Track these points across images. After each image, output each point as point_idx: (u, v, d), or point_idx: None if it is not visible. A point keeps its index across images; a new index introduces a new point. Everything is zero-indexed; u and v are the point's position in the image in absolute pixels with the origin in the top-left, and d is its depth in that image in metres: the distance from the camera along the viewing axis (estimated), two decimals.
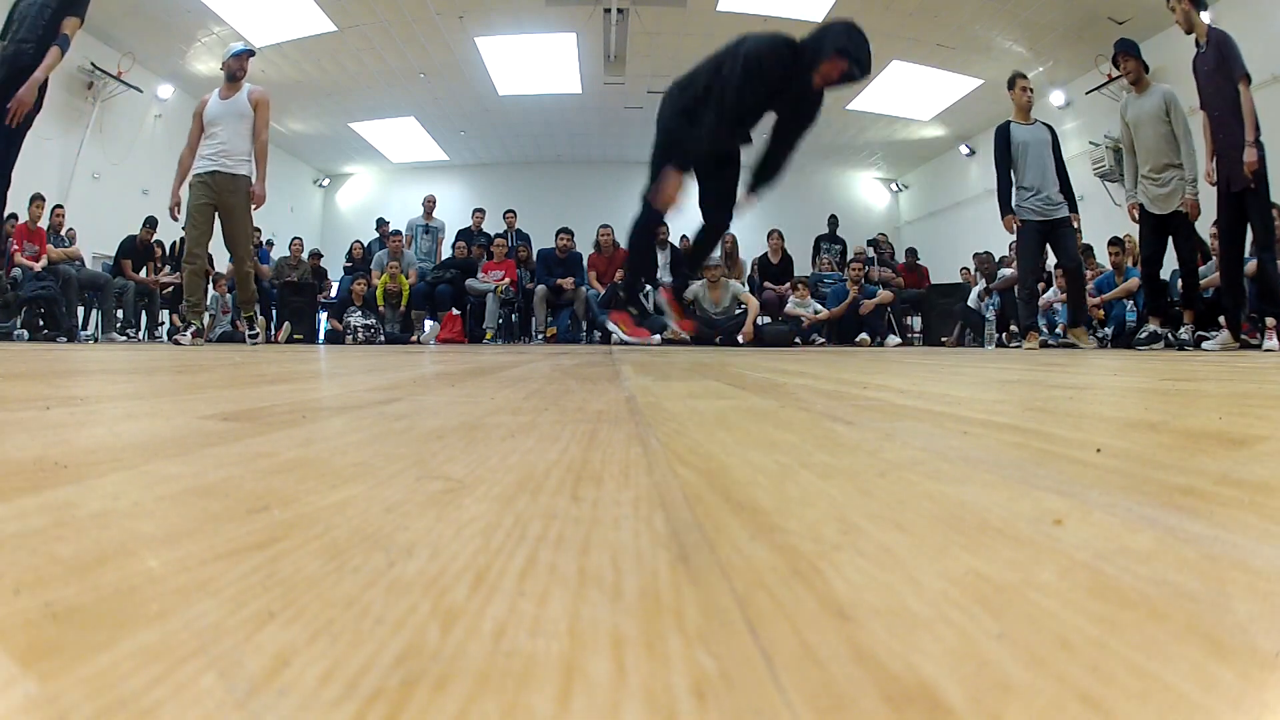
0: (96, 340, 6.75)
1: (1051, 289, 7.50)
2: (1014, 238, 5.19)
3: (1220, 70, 4.22)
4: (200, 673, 0.16)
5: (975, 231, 10.27)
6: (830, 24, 3.57)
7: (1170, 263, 4.89)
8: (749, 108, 3.54)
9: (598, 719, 0.14)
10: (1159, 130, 4.60)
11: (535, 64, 9.24)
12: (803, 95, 3.59)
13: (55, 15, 3.89)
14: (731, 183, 3.78)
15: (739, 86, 3.46)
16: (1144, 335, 4.92)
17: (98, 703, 0.15)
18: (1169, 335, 4.83)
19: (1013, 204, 4.99)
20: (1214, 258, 5.03)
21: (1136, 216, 4.78)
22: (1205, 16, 4.41)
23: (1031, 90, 5.18)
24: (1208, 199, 4.55)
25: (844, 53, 3.44)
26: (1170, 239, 4.69)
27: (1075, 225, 5.12)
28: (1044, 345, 6.06)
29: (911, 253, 10.04)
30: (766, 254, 8.58)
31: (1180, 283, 4.84)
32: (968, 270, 9.41)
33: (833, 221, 10.00)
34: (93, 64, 8.04)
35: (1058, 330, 7.19)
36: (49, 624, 0.19)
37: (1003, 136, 5.01)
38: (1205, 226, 5.17)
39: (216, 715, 0.14)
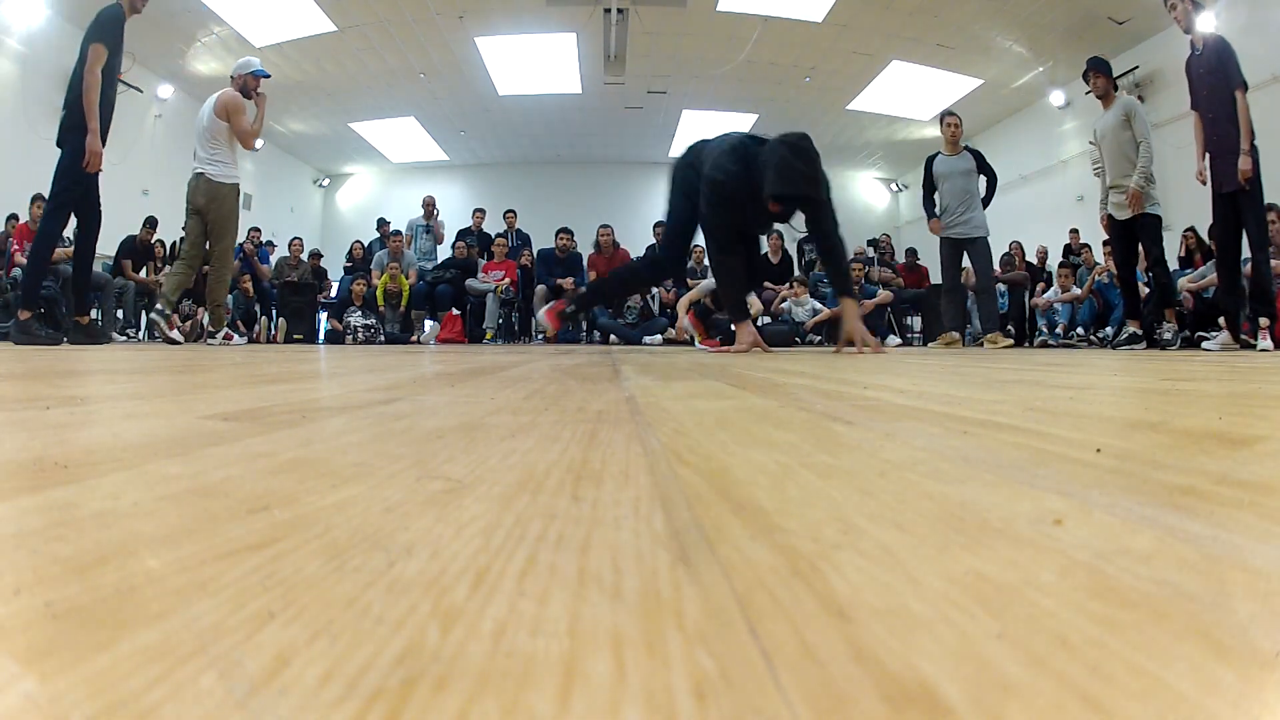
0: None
1: (1052, 289, 7.51)
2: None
3: (1216, 73, 4.31)
4: (200, 673, 0.16)
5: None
6: (773, 152, 3.31)
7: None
8: (734, 224, 3.52)
9: (598, 719, 0.14)
10: (1119, 138, 4.81)
11: (535, 64, 9.24)
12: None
13: (81, 59, 3.99)
14: (752, 260, 3.88)
15: (711, 214, 3.48)
16: (1124, 337, 5.01)
17: (98, 703, 0.15)
18: (1152, 335, 4.93)
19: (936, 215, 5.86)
20: (1213, 259, 5.12)
21: (1106, 228, 5.10)
22: (1203, 18, 4.48)
23: (958, 127, 5.85)
24: (1179, 210, 4.66)
25: (778, 199, 3.29)
26: (1139, 243, 4.92)
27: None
28: (1044, 345, 6.15)
29: (911, 253, 10.03)
30: (766, 254, 8.58)
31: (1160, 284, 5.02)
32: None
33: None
34: None
35: (1057, 331, 7.19)
36: (49, 624, 0.19)
37: (927, 167, 5.93)
38: (1173, 234, 5.37)
39: (216, 715, 0.14)
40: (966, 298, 8.49)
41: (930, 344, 5.87)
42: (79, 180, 3.94)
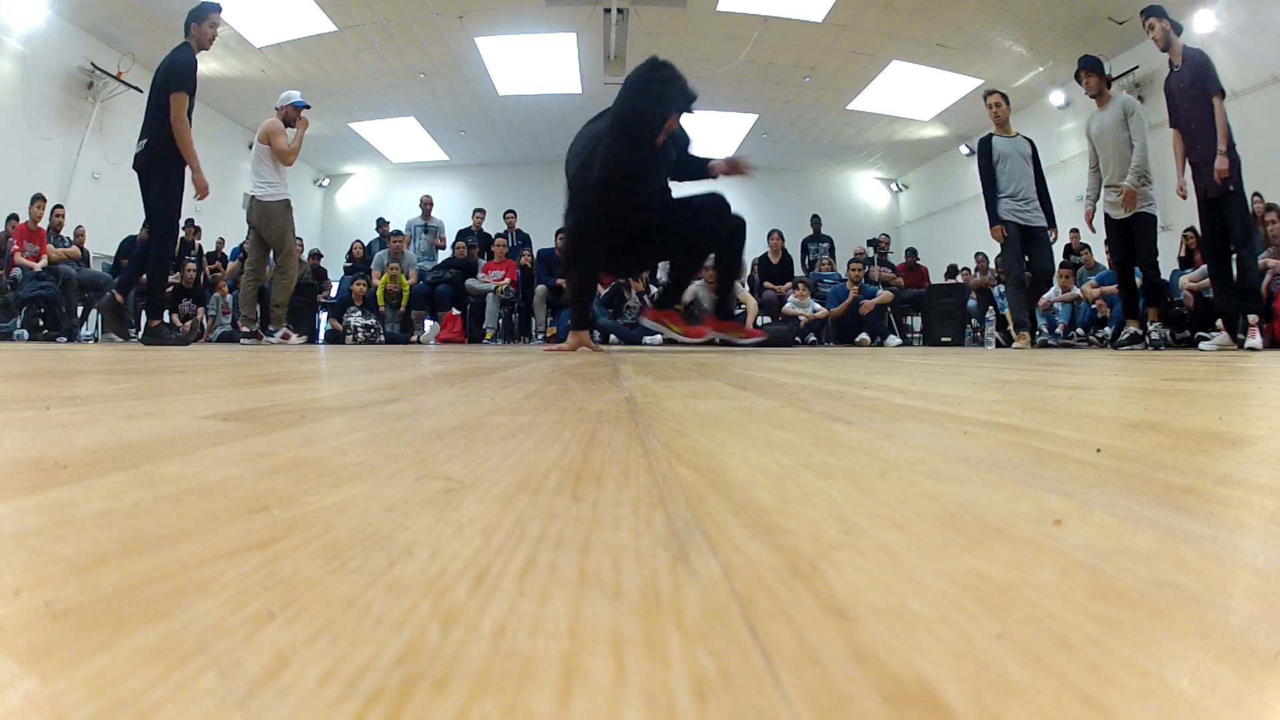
0: (96, 340, 6.75)
1: (1053, 289, 7.51)
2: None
3: (1195, 85, 4.40)
4: (200, 673, 0.16)
5: (975, 232, 10.28)
6: (634, 85, 3.35)
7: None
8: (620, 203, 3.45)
9: (598, 719, 0.14)
10: (1118, 138, 4.78)
11: (535, 64, 9.24)
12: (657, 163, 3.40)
13: (160, 102, 4.32)
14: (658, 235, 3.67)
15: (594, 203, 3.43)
16: (1125, 337, 4.99)
17: (98, 703, 0.15)
18: (1146, 336, 4.92)
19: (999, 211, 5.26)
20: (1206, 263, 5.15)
21: (1093, 225, 5.02)
22: (1198, 18, 4.54)
23: (1000, 106, 5.35)
24: (1179, 210, 4.70)
25: (674, 107, 3.22)
26: (1134, 242, 4.87)
27: (1052, 238, 5.31)
28: (1044, 345, 6.11)
29: (911, 253, 10.05)
30: (767, 254, 8.59)
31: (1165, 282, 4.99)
32: (967, 271, 9.40)
33: (816, 221, 10.02)
34: (93, 64, 8.05)
35: (1057, 331, 7.20)
36: (49, 624, 0.19)
37: (985, 149, 5.30)
38: (1172, 234, 5.28)
39: (216, 715, 0.14)
40: (968, 298, 8.49)
41: (1015, 345, 5.32)
42: (177, 206, 4.49)
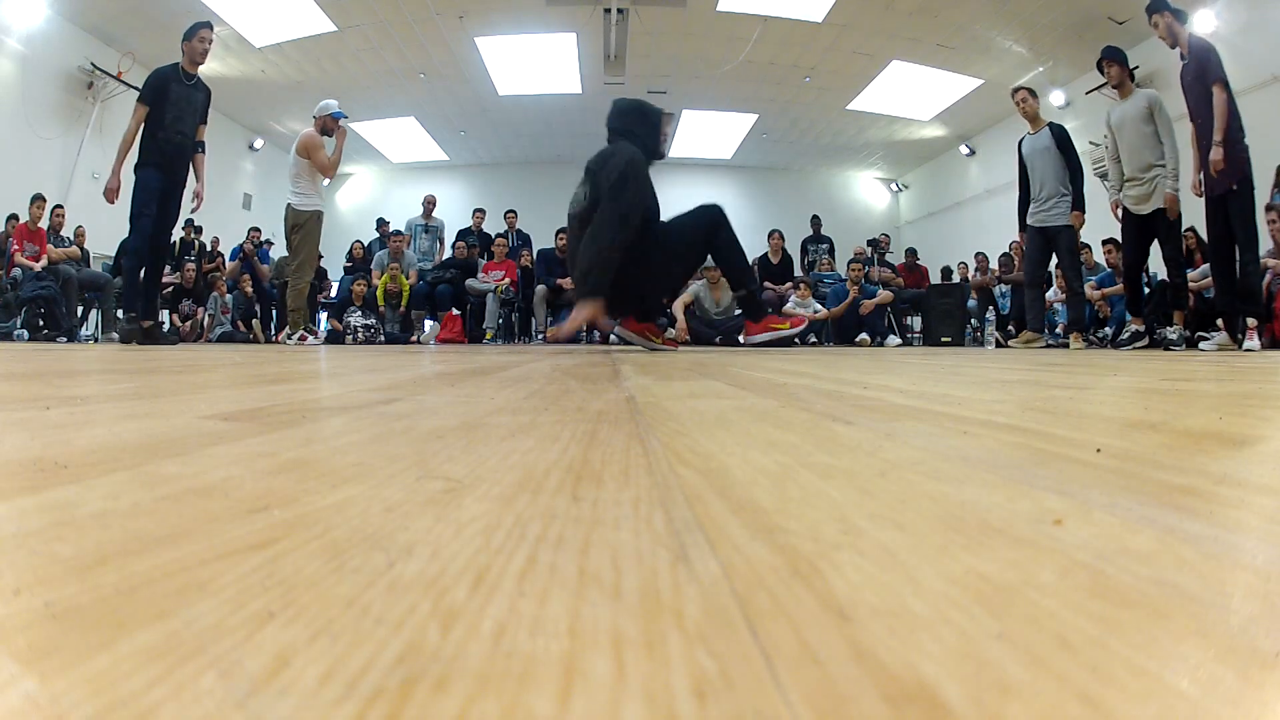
0: (96, 340, 6.75)
1: (1052, 289, 7.51)
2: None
3: (1201, 78, 4.31)
4: (200, 673, 0.16)
5: (975, 231, 10.28)
6: (623, 109, 3.96)
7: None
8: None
9: (598, 719, 0.14)
10: (1142, 131, 4.70)
11: (535, 64, 9.24)
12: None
13: (200, 121, 4.76)
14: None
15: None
16: (1126, 335, 4.96)
17: (98, 703, 0.15)
18: (1153, 335, 4.87)
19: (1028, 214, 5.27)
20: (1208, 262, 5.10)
21: (1119, 215, 4.92)
22: (1194, 21, 4.48)
23: (1027, 101, 5.30)
24: (1192, 205, 4.64)
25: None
26: (1155, 240, 4.80)
27: (1078, 224, 5.21)
28: (1046, 346, 6.10)
29: (911, 253, 10.05)
30: (767, 254, 8.59)
31: (1170, 283, 4.92)
32: (964, 265, 9.41)
33: (815, 222, 10.02)
34: (93, 64, 8.04)
35: (1058, 330, 7.20)
36: (49, 624, 0.19)
37: (1018, 152, 5.34)
38: (1202, 228, 5.28)
39: (216, 715, 0.14)
40: (968, 298, 8.50)
41: (1013, 342, 5.38)
42: (140, 208, 4.60)
